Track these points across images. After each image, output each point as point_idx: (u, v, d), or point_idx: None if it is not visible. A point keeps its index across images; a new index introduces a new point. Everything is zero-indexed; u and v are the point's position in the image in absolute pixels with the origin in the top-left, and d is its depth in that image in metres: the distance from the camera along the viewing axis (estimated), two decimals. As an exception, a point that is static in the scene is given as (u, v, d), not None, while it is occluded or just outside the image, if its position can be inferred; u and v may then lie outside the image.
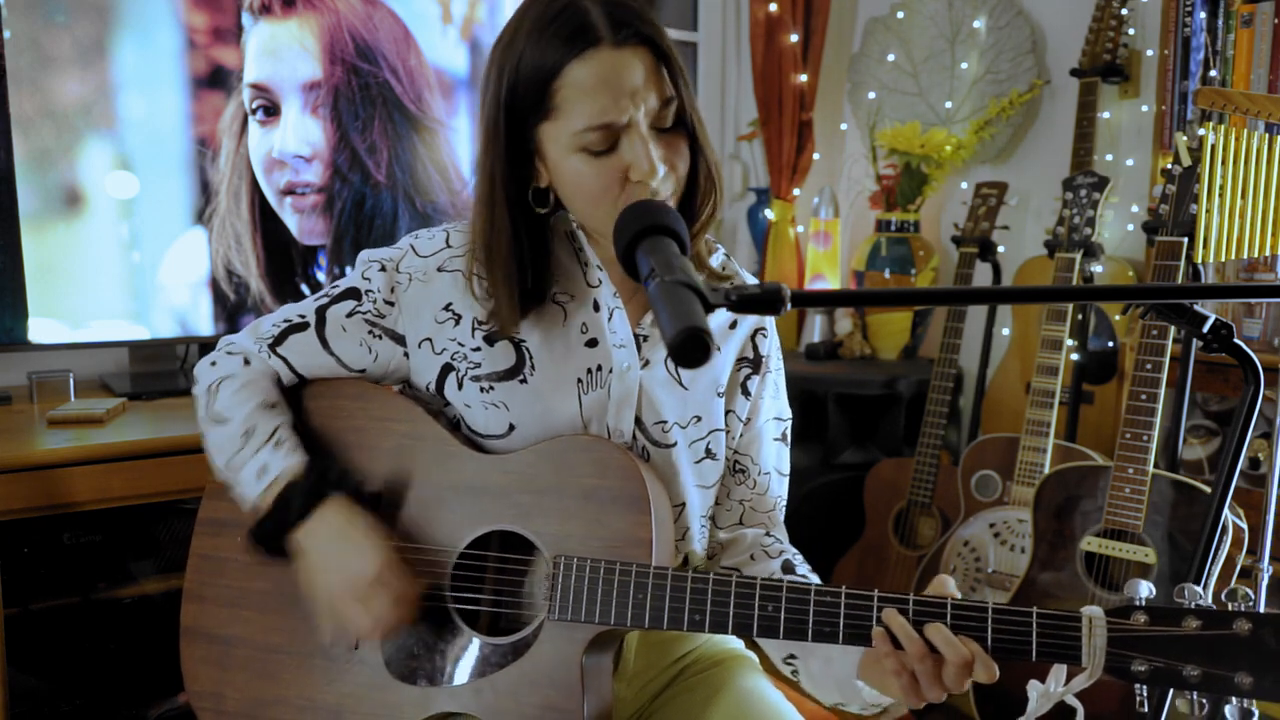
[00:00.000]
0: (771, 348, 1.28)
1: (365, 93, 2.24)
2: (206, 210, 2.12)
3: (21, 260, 1.93)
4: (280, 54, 2.15)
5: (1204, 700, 0.90)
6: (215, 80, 2.10)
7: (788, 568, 1.22)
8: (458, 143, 2.42)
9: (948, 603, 0.97)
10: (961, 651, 0.95)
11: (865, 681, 1.05)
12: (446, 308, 1.18)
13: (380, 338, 1.20)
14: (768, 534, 1.28)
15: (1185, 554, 1.89)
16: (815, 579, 1.22)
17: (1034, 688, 0.97)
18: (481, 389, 1.17)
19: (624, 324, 1.17)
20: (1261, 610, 0.89)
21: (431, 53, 2.35)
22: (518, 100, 1.09)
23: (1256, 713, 1.18)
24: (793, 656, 1.18)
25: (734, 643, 1.33)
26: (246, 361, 1.22)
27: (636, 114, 1.06)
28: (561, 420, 1.15)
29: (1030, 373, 2.41)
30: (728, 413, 1.24)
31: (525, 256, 1.13)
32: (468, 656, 1.11)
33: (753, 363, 1.26)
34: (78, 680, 2.02)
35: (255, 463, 1.15)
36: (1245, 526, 1.86)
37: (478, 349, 1.17)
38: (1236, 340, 1.02)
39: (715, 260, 1.24)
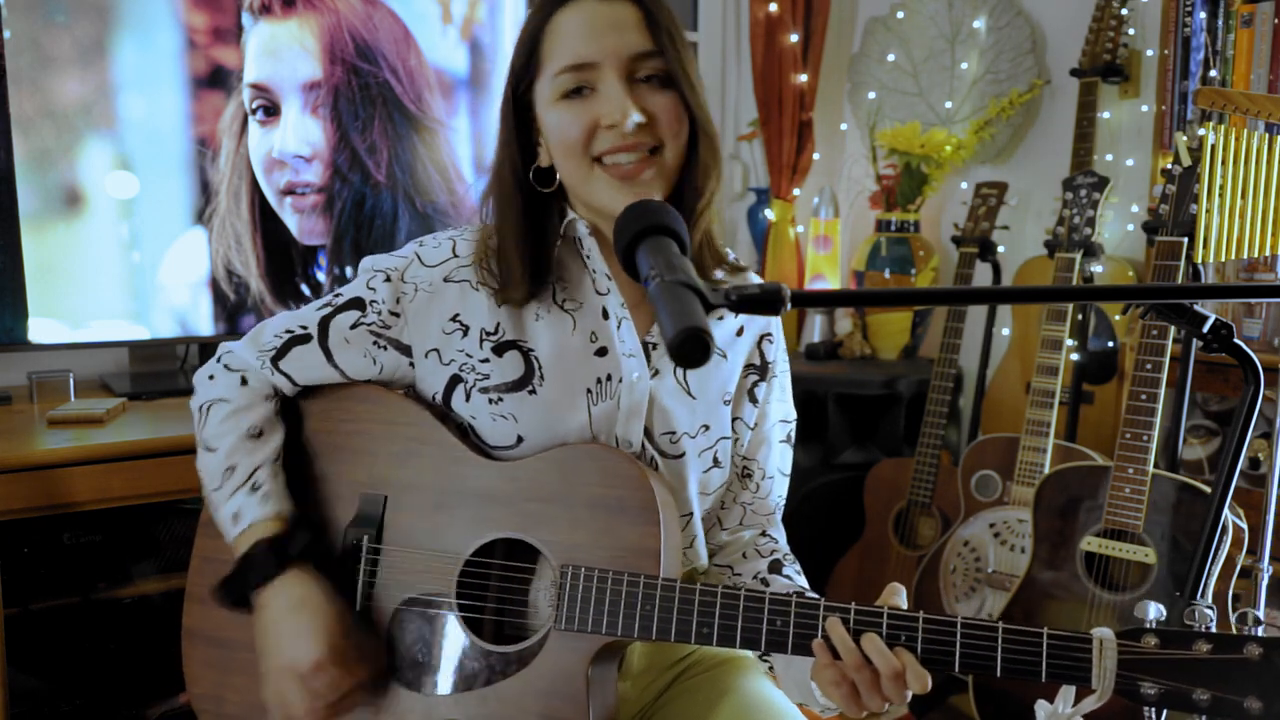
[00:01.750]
0: (778, 352, 1.28)
1: (365, 93, 2.24)
2: (206, 210, 2.12)
3: (21, 260, 1.93)
4: (280, 54, 2.15)
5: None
6: (215, 80, 2.10)
7: (775, 567, 1.23)
8: (458, 143, 2.42)
9: (884, 612, 0.98)
10: (893, 662, 0.96)
11: (817, 685, 1.06)
12: (454, 319, 1.17)
13: (385, 349, 1.19)
14: (763, 534, 1.28)
15: (1185, 554, 1.89)
16: (802, 580, 1.22)
17: (1041, 708, 0.97)
18: (490, 400, 1.16)
19: (632, 333, 1.16)
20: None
21: (431, 53, 2.34)
22: (517, 72, 1.14)
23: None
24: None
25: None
26: (244, 381, 1.20)
27: (610, 56, 1.08)
28: (570, 432, 1.15)
29: (1030, 373, 2.41)
30: (735, 420, 1.24)
31: (530, 232, 1.15)
32: (472, 664, 1.10)
33: (760, 369, 1.25)
34: (78, 680, 2.02)
35: (231, 506, 1.15)
36: (1245, 526, 1.86)
37: (486, 360, 1.16)
38: (1236, 340, 1.02)
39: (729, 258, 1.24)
